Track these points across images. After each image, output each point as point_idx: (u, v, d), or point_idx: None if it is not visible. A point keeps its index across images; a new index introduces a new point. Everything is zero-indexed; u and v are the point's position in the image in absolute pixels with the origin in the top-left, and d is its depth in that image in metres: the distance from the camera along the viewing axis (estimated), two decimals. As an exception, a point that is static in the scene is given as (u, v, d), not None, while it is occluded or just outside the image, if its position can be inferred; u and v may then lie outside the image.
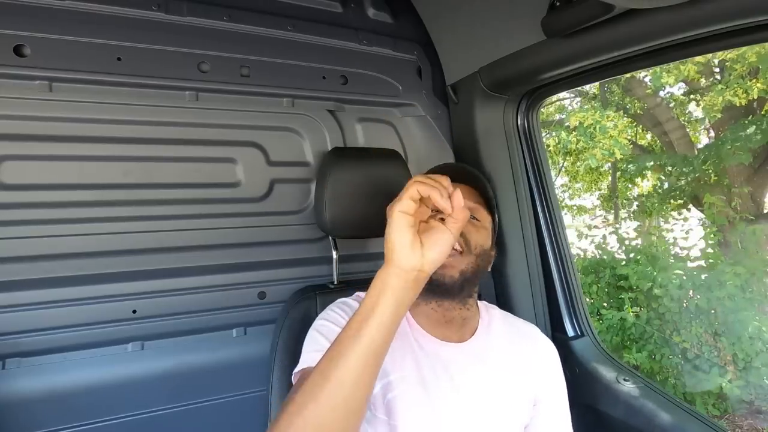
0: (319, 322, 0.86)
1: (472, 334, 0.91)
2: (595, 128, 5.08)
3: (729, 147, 4.55)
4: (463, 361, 0.87)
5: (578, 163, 6.81)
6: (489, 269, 0.93)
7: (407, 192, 0.59)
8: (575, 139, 5.41)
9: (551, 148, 6.43)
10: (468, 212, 0.64)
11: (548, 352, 0.97)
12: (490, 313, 0.98)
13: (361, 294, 0.94)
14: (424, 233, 0.61)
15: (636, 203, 6.63)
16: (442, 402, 0.81)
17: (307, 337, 0.85)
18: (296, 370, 0.79)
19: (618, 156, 5.40)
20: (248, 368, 1.17)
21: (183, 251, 1.13)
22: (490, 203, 0.93)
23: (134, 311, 1.09)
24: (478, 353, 0.89)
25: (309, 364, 0.75)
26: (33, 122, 0.97)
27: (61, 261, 1.02)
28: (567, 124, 5.83)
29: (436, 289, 0.84)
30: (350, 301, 0.92)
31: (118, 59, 1.01)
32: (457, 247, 0.83)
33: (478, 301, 1.00)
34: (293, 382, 0.78)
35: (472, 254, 0.85)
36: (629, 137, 6.45)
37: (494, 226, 0.94)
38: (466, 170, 0.97)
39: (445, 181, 0.62)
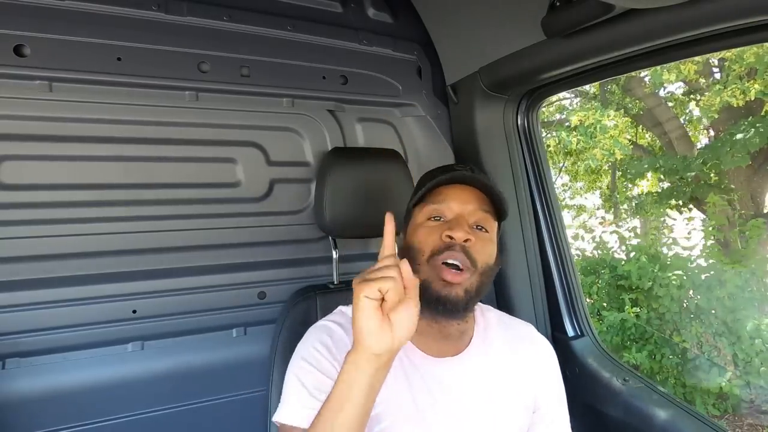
0: (300, 365, 0.79)
1: (468, 344, 0.87)
2: (595, 128, 5.06)
3: (728, 149, 4.51)
4: (460, 375, 0.83)
5: (578, 164, 6.80)
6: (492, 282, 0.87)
7: (376, 283, 0.58)
8: (575, 140, 5.39)
9: (551, 148, 6.42)
10: (416, 281, 0.63)
11: (547, 354, 0.94)
12: (486, 318, 0.93)
13: (344, 309, 0.89)
14: (391, 311, 0.60)
15: (635, 203, 6.62)
16: (439, 423, 0.78)
17: (288, 376, 0.79)
18: (277, 419, 0.75)
19: (618, 156, 5.37)
20: (248, 368, 1.17)
21: (183, 251, 1.13)
22: (500, 211, 0.85)
23: (134, 311, 1.09)
24: (475, 365, 0.85)
25: (292, 422, 0.73)
26: (33, 122, 0.97)
27: (61, 261, 1.02)
28: (567, 123, 5.82)
29: (439, 307, 0.78)
30: (332, 327, 0.84)
31: (118, 59, 1.01)
32: (460, 264, 0.77)
33: None
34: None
35: (477, 272, 0.78)
36: (629, 137, 6.44)
37: (499, 235, 0.88)
38: (476, 173, 0.87)
39: (391, 260, 0.62)
